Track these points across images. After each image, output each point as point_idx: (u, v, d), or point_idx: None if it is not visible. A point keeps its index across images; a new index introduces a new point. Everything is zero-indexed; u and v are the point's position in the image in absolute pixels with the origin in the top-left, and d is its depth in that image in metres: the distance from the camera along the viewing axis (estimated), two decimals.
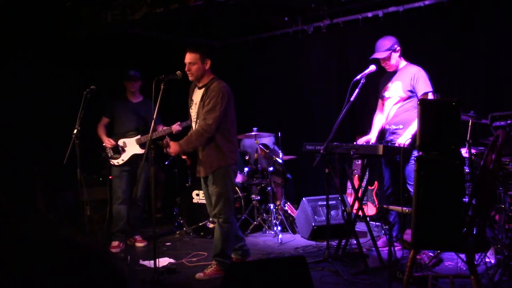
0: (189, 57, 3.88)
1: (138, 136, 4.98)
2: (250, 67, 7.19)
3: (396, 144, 4.19)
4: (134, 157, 4.98)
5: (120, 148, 4.99)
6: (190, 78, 3.95)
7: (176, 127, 4.72)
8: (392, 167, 4.52)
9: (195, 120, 3.98)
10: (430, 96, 4.24)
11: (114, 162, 5.00)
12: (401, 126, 4.32)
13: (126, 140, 5.00)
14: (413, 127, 4.18)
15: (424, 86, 4.24)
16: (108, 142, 4.97)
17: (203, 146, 3.87)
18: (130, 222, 5.13)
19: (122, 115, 5.05)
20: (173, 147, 3.82)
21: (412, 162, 4.17)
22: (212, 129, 3.78)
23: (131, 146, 4.99)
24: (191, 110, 4.06)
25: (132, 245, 5.14)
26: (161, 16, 5.34)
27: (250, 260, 4.08)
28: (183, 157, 4.06)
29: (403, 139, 4.19)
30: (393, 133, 4.37)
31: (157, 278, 3.76)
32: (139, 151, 4.98)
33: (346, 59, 6.30)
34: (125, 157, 4.99)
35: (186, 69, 3.91)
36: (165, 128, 4.84)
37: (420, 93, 4.25)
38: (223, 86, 3.87)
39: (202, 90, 3.91)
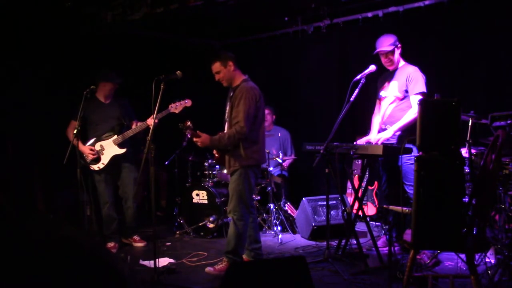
0: (213, 69, 4.05)
1: (115, 136, 4.86)
2: (250, 67, 7.16)
3: (377, 137, 4.25)
4: (115, 158, 4.88)
5: (98, 153, 4.87)
6: (224, 85, 4.10)
7: (151, 120, 4.49)
8: (388, 168, 4.52)
9: (227, 119, 4.08)
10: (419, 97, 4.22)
11: (94, 167, 4.87)
12: None
13: (103, 142, 4.86)
14: (398, 124, 4.24)
15: (416, 87, 4.24)
16: (90, 152, 4.80)
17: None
18: (126, 223, 5.10)
19: (95, 118, 4.89)
20: (203, 139, 3.92)
21: (409, 162, 4.17)
22: (245, 131, 3.87)
23: (109, 148, 4.86)
24: (226, 111, 4.15)
25: (131, 245, 5.14)
26: (161, 16, 5.34)
27: (250, 260, 4.09)
28: (214, 151, 4.23)
29: (384, 134, 4.22)
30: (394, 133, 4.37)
31: (157, 278, 3.76)
32: (118, 151, 4.87)
33: (346, 59, 6.30)
34: (105, 160, 4.86)
35: (216, 79, 4.08)
36: (140, 123, 4.81)
37: (412, 93, 4.26)
38: (250, 87, 3.96)
39: (232, 91, 4.04)
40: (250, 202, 4.06)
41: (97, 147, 4.88)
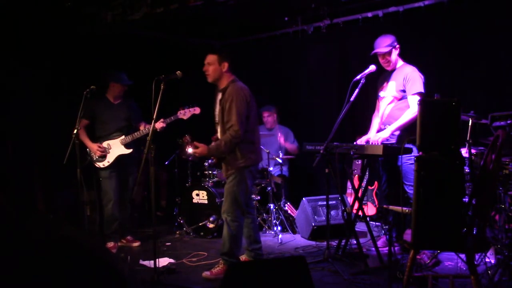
0: (208, 58, 3.99)
1: (123, 137, 4.91)
2: (250, 67, 7.18)
3: (376, 138, 4.25)
4: (120, 157, 4.92)
5: (105, 150, 4.92)
6: (208, 79, 4.03)
7: (159, 124, 4.62)
8: (388, 168, 4.52)
9: (219, 123, 4.04)
10: (417, 97, 4.21)
11: (100, 165, 4.92)
12: None
13: (110, 141, 4.93)
14: (396, 124, 4.24)
15: (413, 87, 4.24)
16: (98, 149, 4.85)
17: None
18: (120, 222, 5.09)
19: (104, 117, 4.96)
20: (202, 149, 3.89)
21: (409, 162, 4.17)
22: (240, 134, 3.83)
23: (116, 147, 4.92)
24: (216, 113, 4.13)
25: (126, 246, 5.12)
26: (161, 16, 5.34)
27: (250, 260, 4.09)
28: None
29: (383, 134, 4.22)
30: (393, 133, 4.37)
31: (157, 278, 3.76)
32: (125, 151, 4.93)
33: (346, 59, 6.30)
34: (110, 158, 4.91)
35: (204, 69, 4.00)
36: (148, 126, 4.83)
37: (409, 93, 4.26)
38: (238, 88, 3.92)
39: (221, 94, 3.99)
40: (248, 202, 4.04)
41: (105, 145, 4.94)
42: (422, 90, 4.23)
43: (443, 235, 2.86)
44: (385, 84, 4.50)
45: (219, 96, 4.05)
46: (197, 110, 4.56)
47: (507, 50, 4.95)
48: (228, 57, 3.99)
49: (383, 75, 4.57)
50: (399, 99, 4.35)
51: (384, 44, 4.34)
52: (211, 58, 3.97)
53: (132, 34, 6.36)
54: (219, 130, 4.06)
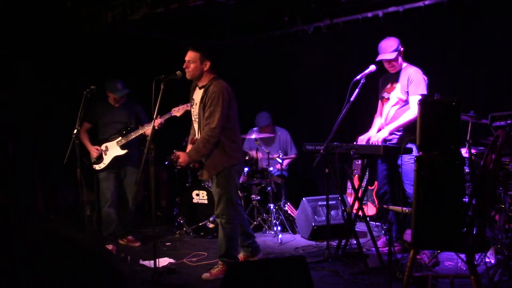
0: (189, 55, 3.89)
1: (119, 138, 4.95)
2: (250, 67, 7.18)
3: (375, 138, 4.24)
4: (115, 159, 4.95)
5: (102, 153, 4.97)
6: (187, 76, 3.94)
7: (157, 121, 4.55)
8: (386, 167, 4.52)
9: (196, 120, 3.98)
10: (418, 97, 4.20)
11: (96, 167, 4.98)
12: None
13: (108, 144, 4.98)
14: (395, 124, 4.24)
15: (415, 88, 4.23)
16: (95, 151, 4.93)
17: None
18: (121, 223, 5.10)
19: (106, 121, 5.02)
20: (182, 158, 3.82)
21: (410, 161, 4.17)
22: (217, 133, 3.77)
23: (112, 149, 4.96)
24: (192, 110, 4.08)
25: (130, 246, 5.12)
26: (161, 16, 5.34)
27: (250, 260, 4.08)
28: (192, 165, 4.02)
29: (381, 134, 4.22)
30: (391, 133, 4.37)
31: (157, 278, 3.76)
32: (120, 152, 4.95)
33: (346, 59, 6.30)
34: (106, 160, 4.96)
35: (184, 66, 3.90)
36: (146, 125, 4.85)
37: (411, 94, 4.25)
38: (222, 86, 3.85)
39: (202, 90, 3.91)
40: (237, 201, 4.01)
41: (103, 147, 4.99)
42: (425, 92, 4.22)
43: (443, 235, 2.86)
44: (389, 85, 4.48)
45: (198, 93, 3.97)
46: (189, 106, 4.56)
47: (507, 50, 4.95)
48: (210, 56, 3.90)
49: (386, 75, 4.55)
50: (404, 100, 4.34)
51: (389, 49, 4.30)
52: (192, 56, 3.86)
53: (132, 34, 6.36)
54: (196, 128, 3.99)
